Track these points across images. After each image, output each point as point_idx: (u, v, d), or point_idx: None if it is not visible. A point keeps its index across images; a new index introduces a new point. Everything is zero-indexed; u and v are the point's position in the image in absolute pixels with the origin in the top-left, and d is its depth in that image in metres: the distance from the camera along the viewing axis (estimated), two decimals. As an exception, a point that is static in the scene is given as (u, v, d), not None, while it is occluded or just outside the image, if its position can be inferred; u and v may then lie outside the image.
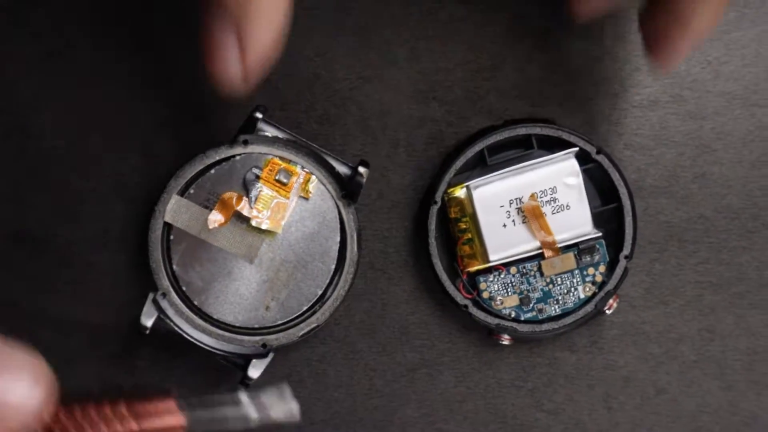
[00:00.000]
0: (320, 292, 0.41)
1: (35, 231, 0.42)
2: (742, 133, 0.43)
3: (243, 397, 0.33)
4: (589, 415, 0.43)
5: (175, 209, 0.41)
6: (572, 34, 0.42)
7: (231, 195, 0.41)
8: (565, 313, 0.42)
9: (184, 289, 0.41)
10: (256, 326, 0.41)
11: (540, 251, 0.41)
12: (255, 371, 0.40)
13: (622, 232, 0.41)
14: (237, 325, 0.41)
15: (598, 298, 0.42)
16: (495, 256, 0.41)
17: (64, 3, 0.42)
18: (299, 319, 0.41)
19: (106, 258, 0.42)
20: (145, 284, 0.41)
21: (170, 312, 0.40)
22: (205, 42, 0.33)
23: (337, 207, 0.41)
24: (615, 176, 0.41)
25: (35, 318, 0.42)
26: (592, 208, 0.41)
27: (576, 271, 0.42)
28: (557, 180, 0.41)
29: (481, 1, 0.42)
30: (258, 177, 0.40)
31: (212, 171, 0.41)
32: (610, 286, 0.42)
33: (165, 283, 0.41)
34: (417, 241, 0.42)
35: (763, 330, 0.43)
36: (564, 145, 0.41)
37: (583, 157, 0.41)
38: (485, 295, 0.42)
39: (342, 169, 0.41)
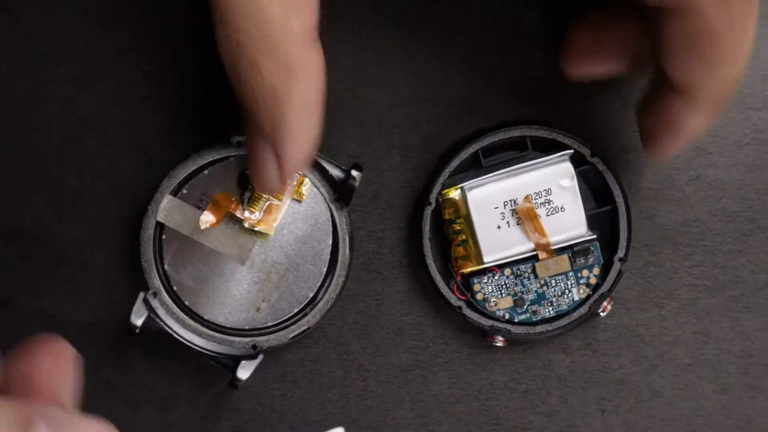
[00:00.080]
0: (311, 295, 0.41)
1: (29, 230, 0.42)
2: (737, 136, 0.43)
3: None
4: (583, 417, 0.43)
5: (167, 209, 0.41)
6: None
7: (224, 196, 0.41)
8: (559, 315, 0.42)
9: (175, 288, 0.41)
10: (247, 327, 0.41)
11: (534, 253, 0.41)
12: (244, 372, 0.40)
13: (617, 235, 0.41)
14: (227, 325, 0.41)
15: (592, 300, 0.42)
16: (489, 258, 0.41)
17: (60, 2, 0.42)
18: (290, 321, 0.41)
19: (100, 257, 0.42)
20: (138, 284, 0.41)
21: (161, 311, 0.40)
22: (247, 153, 0.37)
23: (330, 210, 0.41)
24: (610, 178, 0.41)
25: (28, 317, 0.42)
26: (586, 210, 0.41)
27: (570, 273, 0.42)
28: (552, 182, 0.41)
29: (477, 3, 0.42)
30: (250, 179, 0.40)
31: (206, 171, 0.41)
32: (604, 289, 0.41)
33: (156, 282, 0.41)
34: (411, 242, 0.42)
35: (758, 333, 0.43)
36: (559, 147, 0.41)
37: (577, 159, 0.41)
38: (479, 296, 0.42)
39: (335, 172, 0.41)
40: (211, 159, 0.41)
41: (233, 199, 0.41)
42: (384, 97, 0.42)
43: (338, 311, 0.42)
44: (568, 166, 0.41)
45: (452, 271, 0.42)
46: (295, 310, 0.41)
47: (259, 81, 0.34)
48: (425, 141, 0.42)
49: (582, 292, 0.42)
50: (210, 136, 0.41)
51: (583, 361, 0.43)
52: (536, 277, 0.42)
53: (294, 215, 0.41)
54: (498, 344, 0.42)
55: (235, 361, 0.40)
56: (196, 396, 0.43)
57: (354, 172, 0.40)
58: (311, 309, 0.41)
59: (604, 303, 0.42)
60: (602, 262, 0.42)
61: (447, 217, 0.42)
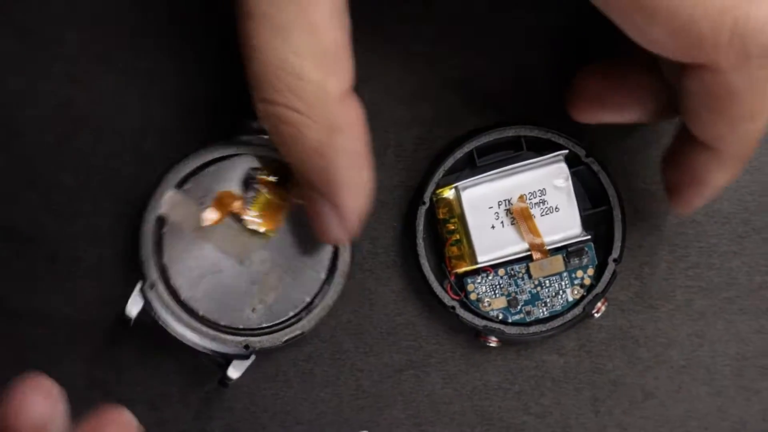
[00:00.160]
0: (308, 300, 0.41)
1: (22, 227, 0.42)
2: (732, 137, 0.42)
3: None
4: (577, 419, 0.43)
5: (170, 203, 0.40)
6: (564, 36, 0.42)
7: (228, 194, 0.40)
8: (553, 316, 0.42)
9: (172, 282, 0.41)
10: (241, 327, 0.41)
11: (528, 253, 0.41)
12: (235, 372, 0.40)
13: (611, 236, 0.41)
14: (221, 323, 0.41)
15: (586, 301, 0.41)
16: (483, 258, 0.41)
17: (55, -2, 0.42)
18: (284, 324, 0.41)
19: (94, 255, 0.42)
20: (132, 282, 0.41)
21: (156, 304, 0.40)
22: (306, 209, 0.38)
23: None
24: (604, 179, 0.41)
25: (21, 314, 0.42)
26: (581, 210, 0.41)
27: (564, 274, 0.42)
28: (546, 182, 0.41)
29: (472, 3, 0.42)
30: (257, 178, 0.40)
31: (211, 168, 0.40)
32: (598, 290, 0.41)
33: (154, 274, 0.40)
34: (405, 241, 0.42)
35: (753, 336, 0.43)
36: (553, 147, 0.41)
37: (572, 160, 0.41)
38: (473, 296, 0.42)
39: None
40: (217, 156, 0.40)
41: (237, 197, 0.40)
42: (379, 96, 0.42)
43: (331, 310, 0.42)
44: (562, 167, 0.41)
45: (446, 271, 0.42)
46: (291, 314, 0.41)
47: (303, 142, 0.35)
48: (420, 140, 0.42)
49: (576, 292, 0.42)
50: (208, 135, 0.41)
51: (576, 362, 0.43)
52: (530, 277, 0.42)
53: (297, 218, 0.40)
54: (491, 344, 0.42)
55: (227, 359, 0.40)
56: (189, 395, 0.43)
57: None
58: (307, 314, 0.41)
59: (599, 304, 0.41)
60: (597, 262, 0.42)
61: (441, 216, 0.42)
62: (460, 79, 0.42)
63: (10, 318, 0.42)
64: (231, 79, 0.41)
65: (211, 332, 0.40)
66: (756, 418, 0.43)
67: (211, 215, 0.40)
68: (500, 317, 0.42)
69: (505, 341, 0.42)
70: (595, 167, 0.41)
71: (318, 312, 0.41)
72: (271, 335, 0.41)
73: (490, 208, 0.41)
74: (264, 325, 0.41)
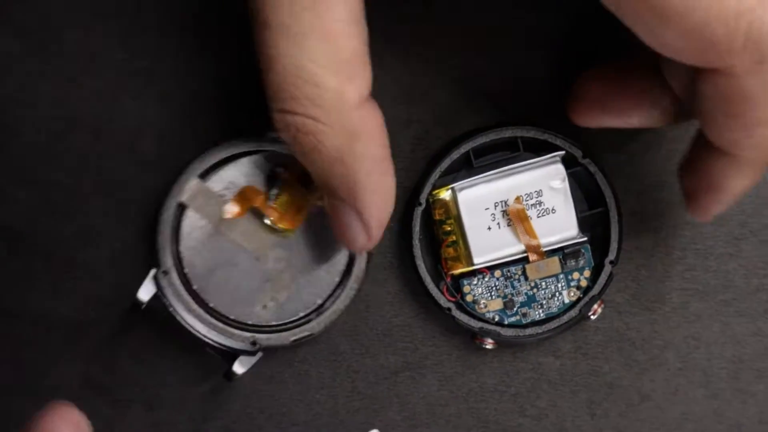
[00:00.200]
0: (320, 302, 0.41)
1: (17, 226, 0.42)
2: (729, 139, 0.42)
3: None
4: (573, 421, 0.43)
5: (192, 192, 0.40)
6: (561, 37, 0.42)
7: (252, 189, 0.40)
8: (549, 318, 0.41)
9: (186, 271, 0.40)
10: (250, 323, 0.41)
11: (525, 255, 0.41)
12: (240, 367, 0.40)
13: (608, 237, 0.41)
14: (230, 317, 0.41)
15: (582, 303, 0.41)
16: (479, 259, 0.41)
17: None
18: (294, 324, 0.41)
19: (88, 255, 0.42)
20: (126, 283, 0.41)
21: (168, 292, 0.40)
22: (329, 217, 0.38)
23: None
24: (601, 180, 0.41)
25: (17, 314, 0.42)
26: (577, 212, 0.41)
27: (561, 276, 0.41)
28: (543, 183, 0.41)
29: (470, 3, 0.42)
30: (281, 176, 0.40)
31: (237, 161, 0.40)
32: (594, 292, 0.41)
33: (169, 262, 0.40)
34: (401, 242, 0.42)
35: (749, 338, 0.43)
36: (550, 148, 0.41)
37: (569, 161, 0.41)
38: (469, 298, 0.42)
39: None
40: (243, 150, 0.40)
41: (260, 193, 0.40)
42: (376, 97, 0.42)
43: (341, 314, 0.42)
44: (559, 168, 0.41)
45: (442, 273, 0.42)
46: (301, 314, 0.41)
47: (322, 150, 0.35)
48: (416, 141, 0.42)
49: (572, 294, 0.42)
50: (203, 134, 0.41)
51: (573, 364, 0.43)
52: (526, 279, 0.41)
53: (317, 220, 0.40)
54: (487, 346, 0.42)
55: (233, 355, 0.40)
56: (185, 396, 0.42)
57: None
58: (317, 316, 0.41)
59: (595, 306, 0.41)
60: (593, 264, 0.42)
61: (437, 217, 0.41)
62: (457, 79, 0.42)
63: (5, 318, 0.42)
64: (229, 80, 0.41)
65: (220, 325, 0.40)
66: (752, 420, 0.43)
67: (232, 208, 0.40)
68: (496, 319, 0.42)
69: (501, 343, 0.42)
70: (592, 168, 0.41)
71: (328, 315, 0.41)
72: (279, 334, 0.41)
73: (487, 209, 0.41)
74: (273, 323, 0.41)
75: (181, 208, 0.40)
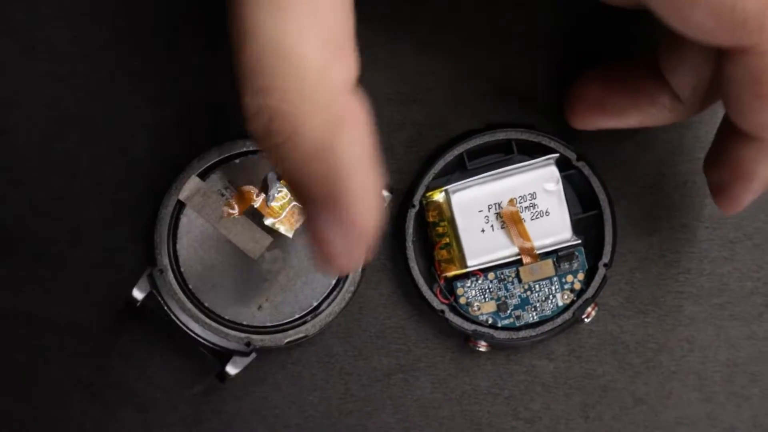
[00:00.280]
0: (315, 304, 0.41)
1: (8, 227, 0.42)
2: (724, 142, 0.42)
3: None
4: (566, 424, 0.43)
5: (191, 190, 0.40)
6: (556, 39, 0.42)
7: (250, 189, 0.40)
8: (542, 321, 0.41)
9: (182, 270, 0.40)
10: (244, 323, 0.41)
11: (518, 257, 0.41)
12: (233, 368, 0.40)
13: (602, 240, 0.41)
14: (225, 317, 0.40)
15: (576, 306, 0.41)
16: (473, 262, 0.41)
17: (44, -2, 0.41)
18: (288, 326, 0.41)
19: (80, 255, 0.42)
20: (116, 284, 0.41)
21: (163, 290, 0.40)
22: (309, 235, 0.31)
23: None
24: (595, 183, 0.41)
25: (7, 315, 0.42)
26: (571, 214, 0.41)
27: (554, 278, 0.41)
28: (537, 186, 0.41)
29: (464, 5, 0.42)
30: (280, 177, 0.40)
31: (237, 161, 0.40)
32: (588, 294, 0.41)
33: (165, 260, 0.40)
34: (394, 244, 0.42)
35: (744, 342, 0.43)
36: (544, 150, 0.41)
37: (563, 163, 0.41)
38: (462, 300, 0.41)
39: None
40: (245, 150, 0.40)
41: (259, 194, 0.40)
42: (369, 98, 0.42)
43: (337, 317, 0.42)
44: (553, 170, 0.41)
45: (435, 275, 0.41)
46: (296, 316, 0.41)
47: (299, 141, 0.29)
48: (410, 143, 0.42)
49: (566, 297, 0.41)
50: (196, 134, 0.41)
51: (566, 367, 0.43)
52: (520, 281, 0.41)
53: None
54: (481, 349, 0.42)
55: (227, 355, 0.40)
56: (176, 397, 0.42)
57: (384, 193, 0.40)
58: (312, 317, 0.41)
59: (589, 309, 0.41)
60: (587, 267, 0.41)
61: (431, 219, 0.41)
62: (450, 81, 0.42)
63: (-4, 319, 0.42)
64: (221, 80, 0.41)
65: (214, 325, 0.40)
66: (746, 424, 0.43)
67: (231, 208, 0.40)
68: (490, 321, 0.41)
69: (495, 346, 0.42)
70: (586, 171, 0.41)
71: (324, 317, 0.41)
72: (273, 335, 0.40)
73: (480, 211, 0.41)
74: (268, 324, 0.41)
75: (180, 206, 0.40)
